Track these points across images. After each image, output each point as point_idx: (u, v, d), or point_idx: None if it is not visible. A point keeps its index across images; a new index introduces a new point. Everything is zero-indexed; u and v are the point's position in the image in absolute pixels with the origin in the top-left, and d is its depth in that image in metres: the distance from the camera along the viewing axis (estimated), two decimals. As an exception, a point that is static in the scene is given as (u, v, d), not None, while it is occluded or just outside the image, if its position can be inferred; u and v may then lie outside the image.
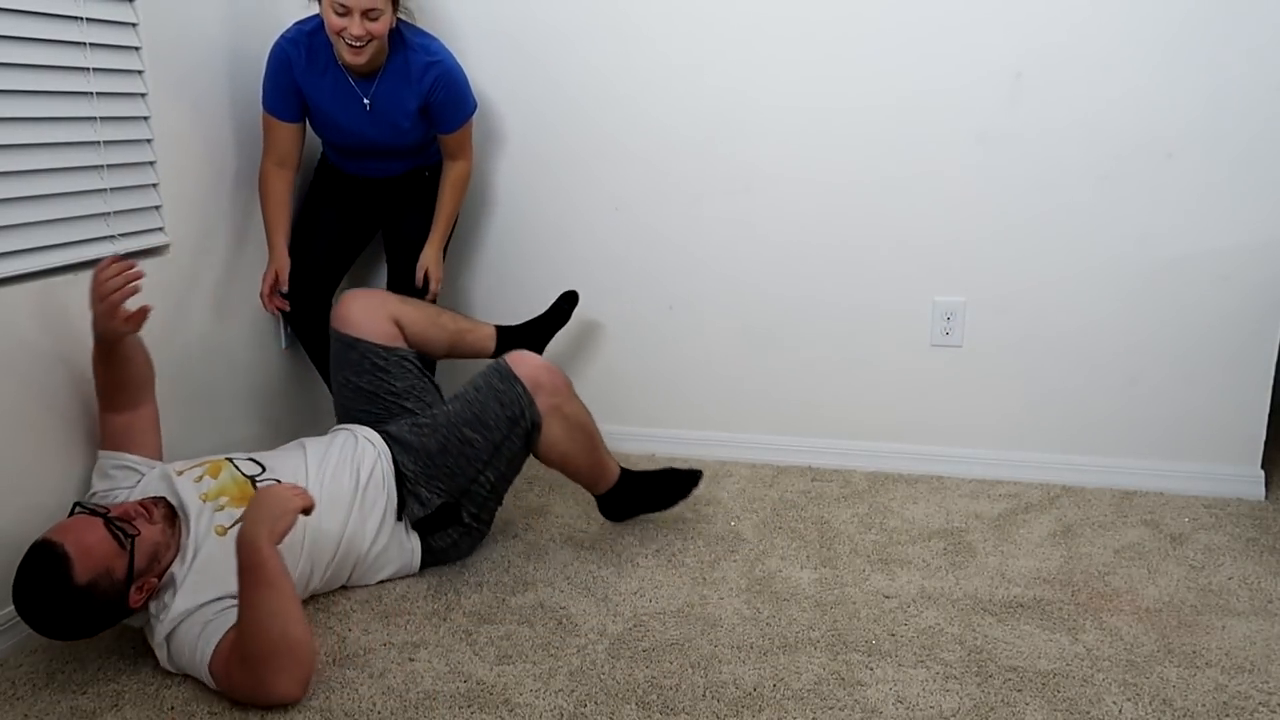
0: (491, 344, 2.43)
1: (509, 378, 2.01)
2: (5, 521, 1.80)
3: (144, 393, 1.93)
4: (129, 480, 1.86)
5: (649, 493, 2.23)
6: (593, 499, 2.24)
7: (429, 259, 2.47)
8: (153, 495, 1.77)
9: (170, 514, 1.73)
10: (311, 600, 1.92)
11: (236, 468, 1.88)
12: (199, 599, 1.65)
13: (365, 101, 2.31)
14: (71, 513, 1.66)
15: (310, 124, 2.40)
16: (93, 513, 1.63)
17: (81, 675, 1.69)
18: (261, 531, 1.58)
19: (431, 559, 2.06)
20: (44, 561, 1.56)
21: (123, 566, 1.59)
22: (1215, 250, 2.31)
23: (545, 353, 2.46)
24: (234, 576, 1.60)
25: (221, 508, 1.78)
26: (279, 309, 2.44)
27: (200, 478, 1.83)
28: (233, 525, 1.73)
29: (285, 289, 2.41)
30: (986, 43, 2.33)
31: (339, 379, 2.18)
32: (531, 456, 2.07)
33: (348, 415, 2.16)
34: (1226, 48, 2.20)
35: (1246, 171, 2.25)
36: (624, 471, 2.20)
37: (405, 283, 2.48)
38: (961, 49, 2.34)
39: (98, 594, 1.57)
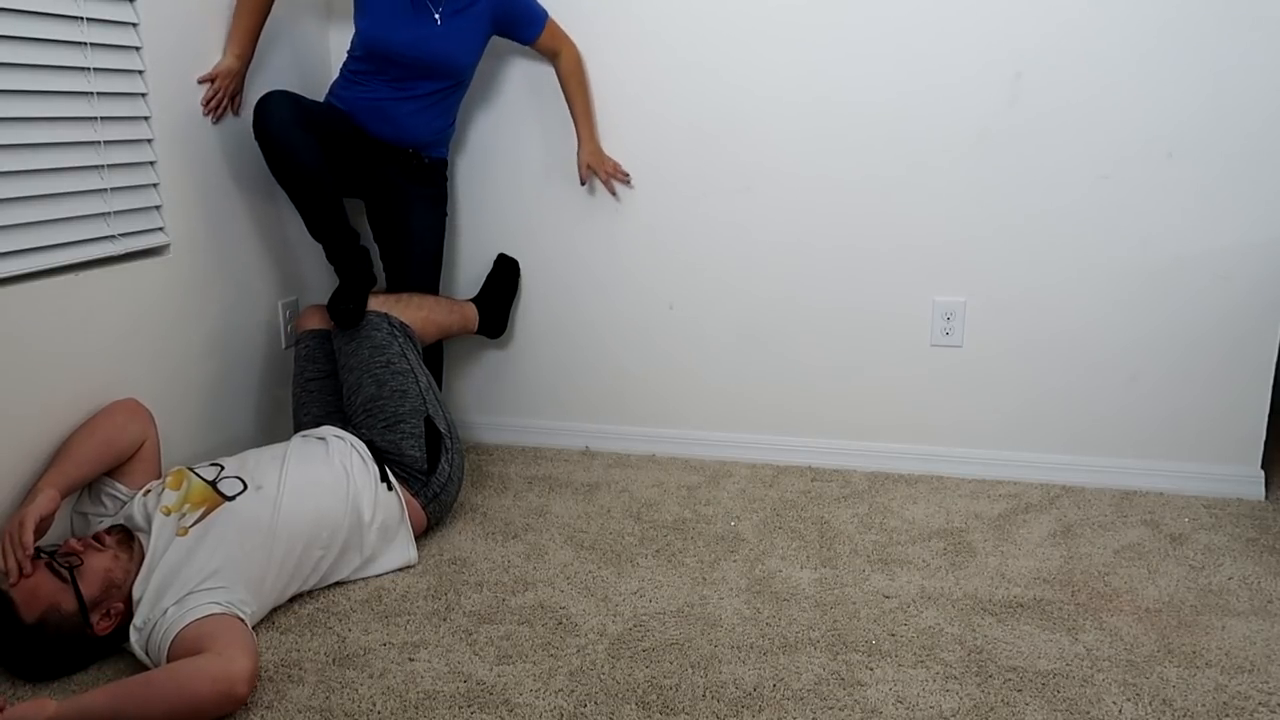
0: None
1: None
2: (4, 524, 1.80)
3: (139, 446, 1.95)
4: (115, 507, 1.91)
5: (499, 295, 2.66)
6: (587, 503, 2.27)
7: (596, 156, 2.55)
8: (107, 526, 1.83)
9: (125, 538, 1.78)
10: (312, 599, 1.92)
11: (196, 474, 1.91)
12: (163, 604, 1.67)
13: (435, 16, 2.30)
14: None
15: (356, 37, 2.34)
16: (39, 555, 1.68)
17: (83, 676, 1.69)
18: None
19: (439, 509, 2.18)
20: None
21: (70, 598, 1.64)
22: (1215, 250, 2.31)
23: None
24: (195, 573, 1.70)
25: (184, 515, 1.81)
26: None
27: (162, 492, 1.86)
28: (194, 524, 1.79)
29: (236, 104, 2.35)
30: (986, 42, 2.33)
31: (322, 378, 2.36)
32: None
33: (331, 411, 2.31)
34: (1226, 47, 2.21)
35: (1246, 171, 2.25)
36: (477, 302, 2.62)
37: (404, 281, 2.49)
38: (961, 48, 2.34)
39: (50, 628, 1.63)
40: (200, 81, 2.24)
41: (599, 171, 2.57)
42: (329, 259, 2.30)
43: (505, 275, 2.69)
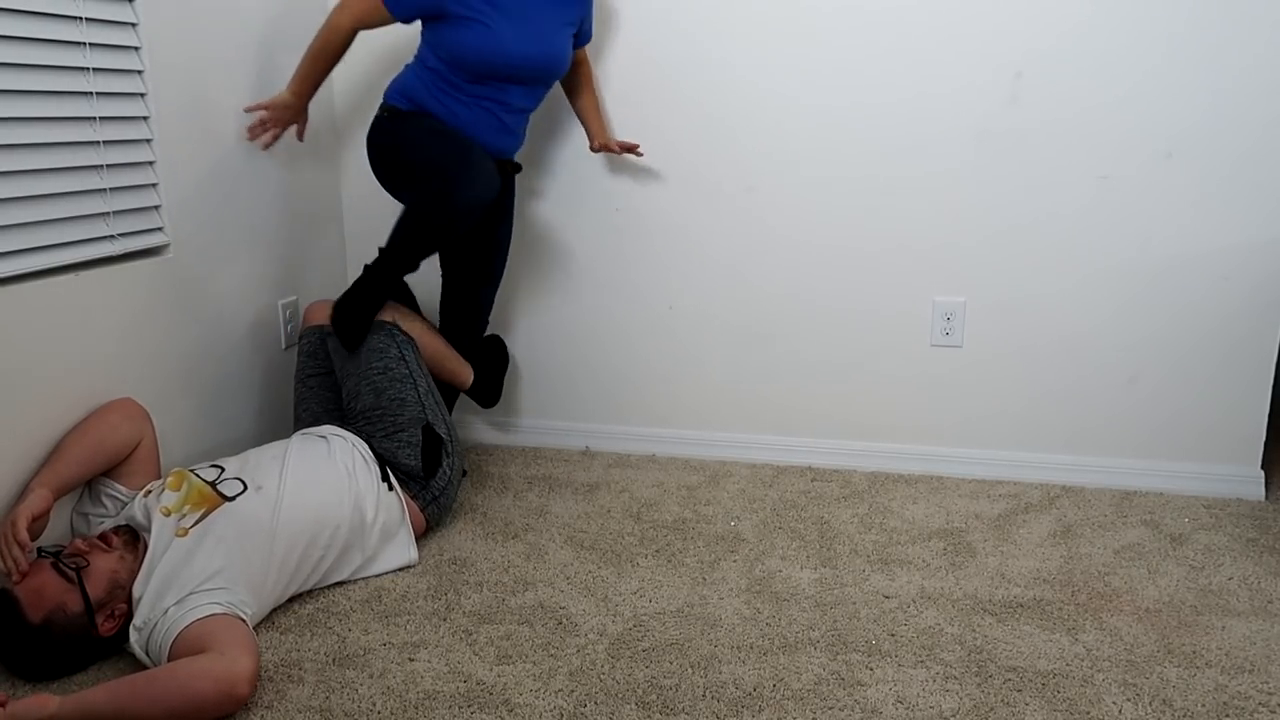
0: None
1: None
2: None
3: (134, 447, 1.95)
4: (115, 508, 1.91)
5: (491, 367, 2.55)
6: (587, 503, 2.28)
7: (611, 139, 2.49)
8: (113, 526, 1.83)
9: (131, 539, 1.78)
10: (312, 599, 1.92)
11: (196, 475, 1.91)
12: (164, 604, 1.66)
13: (555, 25, 2.23)
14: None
15: (469, 52, 2.14)
16: (44, 555, 1.69)
17: (83, 676, 1.69)
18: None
19: (438, 510, 2.17)
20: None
21: (76, 599, 1.65)
22: (1215, 250, 2.31)
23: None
24: (196, 573, 1.69)
25: (184, 516, 1.80)
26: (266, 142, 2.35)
27: (162, 493, 1.86)
28: (194, 525, 1.78)
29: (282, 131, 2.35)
30: (987, 42, 2.33)
31: (320, 376, 2.34)
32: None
33: (330, 410, 2.29)
34: (1227, 48, 2.21)
35: (1246, 172, 2.25)
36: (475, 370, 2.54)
37: (484, 295, 2.49)
38: (962, 48, 2.34)
39: (56, 629, 1.63)
40: (248, 110, 2.30)
41: (612, 148, 2.51)
42: (372, 271, 2.18)
43: (494, 352, 2.61)
